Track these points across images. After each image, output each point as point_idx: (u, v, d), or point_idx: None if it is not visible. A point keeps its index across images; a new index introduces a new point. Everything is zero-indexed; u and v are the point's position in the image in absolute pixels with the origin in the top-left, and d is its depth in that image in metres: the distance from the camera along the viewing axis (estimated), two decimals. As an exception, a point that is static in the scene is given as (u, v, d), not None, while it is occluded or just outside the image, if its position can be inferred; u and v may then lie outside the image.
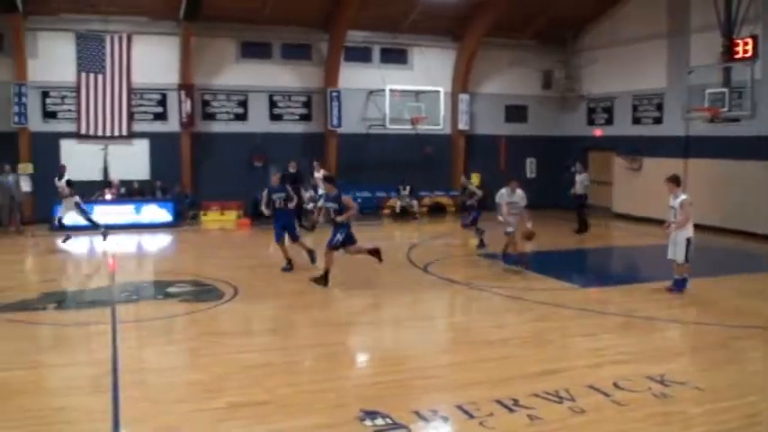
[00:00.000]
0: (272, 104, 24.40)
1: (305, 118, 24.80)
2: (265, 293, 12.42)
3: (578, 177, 20.06)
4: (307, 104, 24.80)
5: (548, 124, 27.61)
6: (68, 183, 18.41)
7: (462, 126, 26.13)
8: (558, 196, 23.74)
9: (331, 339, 9.54)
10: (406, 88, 24.56)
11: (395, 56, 25.76)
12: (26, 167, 21.27)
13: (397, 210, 24.32)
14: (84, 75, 21.87)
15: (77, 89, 21.91)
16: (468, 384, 7.56)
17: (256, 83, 23.88)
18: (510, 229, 14.18)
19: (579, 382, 7.43)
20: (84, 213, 17.76)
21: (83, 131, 22.07)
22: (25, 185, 21.02)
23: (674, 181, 12.15)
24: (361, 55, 25.26)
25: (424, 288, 12.98)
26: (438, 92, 24.65)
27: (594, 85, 26.34)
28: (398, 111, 24.15)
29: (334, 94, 24.26)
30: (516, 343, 9.23)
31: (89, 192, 20.44)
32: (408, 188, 24.56)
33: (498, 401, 6.85)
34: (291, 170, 21.05)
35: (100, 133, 22.16)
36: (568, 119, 27.57)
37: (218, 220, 22.43)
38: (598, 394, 7.12)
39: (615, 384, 7.36)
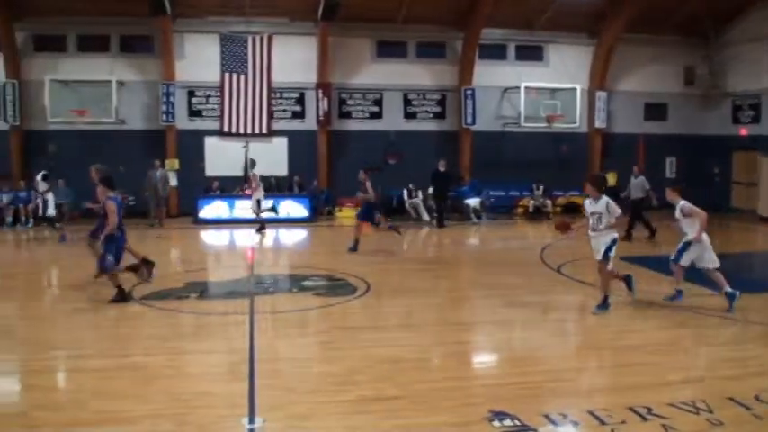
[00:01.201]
0: (407, 103, 24.53)
1: (439, 116, 24.79)
2: (397, 290, 12.44)
3: (634, 181, 18.79)
4: (441, 103, 24.78)
5: (689, 123, 26.33)
6: (44, 177, 19.00)
7: (599, 124, 25.35)
8: (698, 196, 22.53)
9: (461, 337, 9.44)
10: (542, 86, 24.11)
11: (530, 53, 25.32)
12: (173, 163, 22.39)
13: (531, 209, 23.88)
14: (227, 75, 22.75)
15: (221, 89, 22.82)
16: (600, 390, 7.30)
17: (391, 81, 24.09)
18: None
19: (718, 394, 6.97)
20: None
21: (225, 129, 22.98)
22: (171, 180, 22.15)
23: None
24: (495, 52, 24.99)
25: (556, 289, 12.63)
26: (574, 89, 24.09)
27: (740, 81, 24.86)
28: (534, 109, 23.73)
29: (469, 92, 24.10)
30: (650, 349, 8.77)
31: (230, 187, 21.20)
32: (542, 187, 24.07)
33: (631, 409, 6.53)
34: (441, 169, 20.98)
35: (242, 131, 22.99)
36: (711, 117, 26.19)
37: (353, 216, 22.66)
38: (738, 407, 6.65)
39: (757, 397, 6.85)
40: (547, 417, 6.36)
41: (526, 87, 23.54)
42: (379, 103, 24.31)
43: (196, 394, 7.04)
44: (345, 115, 24.01)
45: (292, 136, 23.46)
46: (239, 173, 22.45)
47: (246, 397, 6.86)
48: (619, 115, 25.90)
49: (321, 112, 23.09)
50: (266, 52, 22.84)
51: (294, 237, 20.33)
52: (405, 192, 23.23)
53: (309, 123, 23.44)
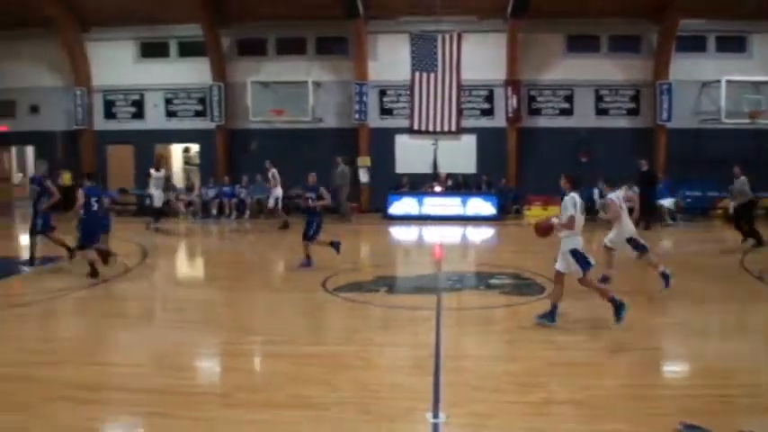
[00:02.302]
0: (599, 99, 23.76)
1: (632, 112, 23.82)
2: (585, 291, 12.05)
3: (737, 183, 16.91)
4: (634, 98, 23.79)
5: None
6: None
7: (810, 120, 23.21)
8: None
9: (649, 343, 8.99)
10: (745, 79, 22.42)
11: (732, 44, 23.61)
12: (364, 161, 23.06)
13: (730, 211, 22.25)
14: (417, 74, 23.10)
15: (411, 87, 23.20)
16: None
17: (582, 77, 23.42)
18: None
19: None
20: None
21: (415, 127, 23.34)
22: (363, 177, 22.84)
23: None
24: (694, 44, 23.57)
25: (756, 298, 11.71)
26: (781, 83, 22.16)
27: None
28: (735, 103, 22.14)
29: (665, 86, 22.95)
30: None
31: (419, 184, 21.53)
32: (744, 188, 22.33)
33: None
34: (644, 168, 20.13)
35: (431, 129, 23.25)
36: None
37: (542, 215, 22.25)
38: None
39: None
40: (743, 434, 5.92)
41: (727, 81, 22.02)
42: (569, 99, 23.73)
43: (383, 385, 7.21)
44: (535, 112, 23.64)
45: (481, 133, 23.43)
46: (428, 170, 22.73)
47: (431, 392, 6.93)
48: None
49: (510, 110, 22.89)
50: (456, 50, 22.96)
51: (481, 234, 20.28)
52: (595, 191, 22.47)
53: (498, 121, 23.30)
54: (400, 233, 18.98)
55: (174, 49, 24.61)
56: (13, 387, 7.35)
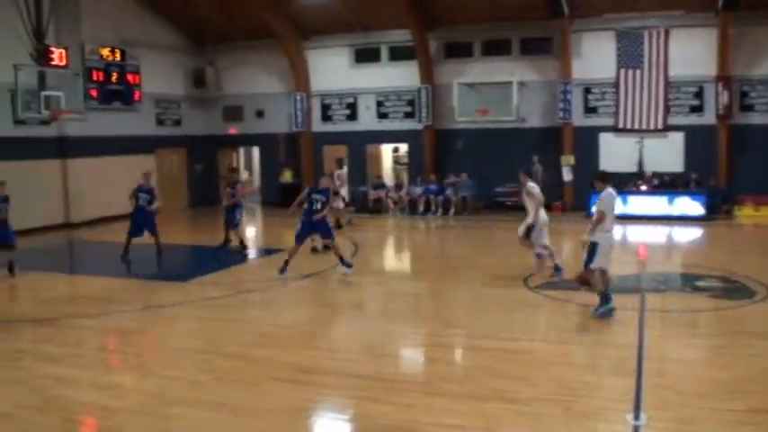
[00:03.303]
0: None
1: None
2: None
3: None
4: None
5: None
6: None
7: None
8: None
9: None
10: None
11: None
12: (568, 159, 22.95)
13: None
14: (623, 71, 22.59)
15: (616, 85, 22.73)
16: None
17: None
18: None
19: None
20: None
21: (620, 125, 22.85)
22: (567, 176, 22.78)
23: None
24: None
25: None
26: None
27: None
28: None
29: None
30: None
31: (624, 183, 21.12)
32: None
33: None
34: None
35: (636, 127, 22.67)
36: None
37: (753, 216, 21.08)
38: None
39: None
40: None
41: None
42: (785, 93, 22.11)
43: (582, 384, 7.34)
44: (747, 108, 22.24)
45: (689, 131, 22.43)
46: (633, 168, 22.21)
47: (632, 393, 6.95)
48: None
49: (721, 106, 21.76)
50: (663, 46, 22.17)
51: (688, 235, 19.56)
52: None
53: (708, 118, 22.19)
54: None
55: (384, 54, 25.67)
56: (240, 365, 8.26)
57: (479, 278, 13.03)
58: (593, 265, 9.83)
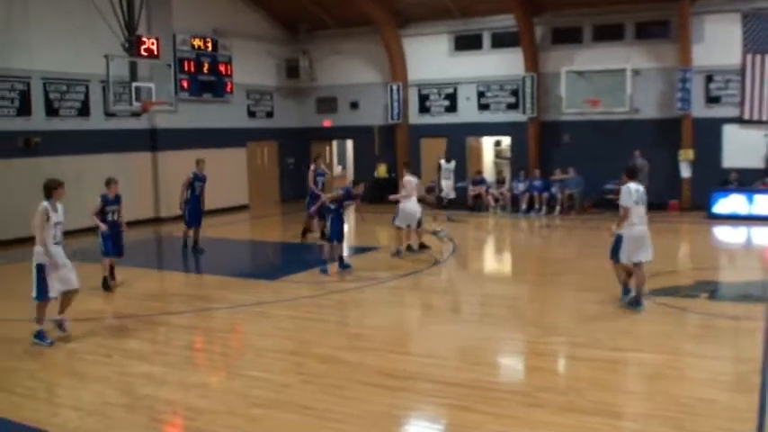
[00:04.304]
0: None
1: None
2: None
3: None
4: None
5: None
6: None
7: None
8: None
9: None
10: None
11: None
12: (687, 154, 21.50)
13: None
14: (749, 56, 20.92)
15: (742, 72, 21.10)
16: None
17: None
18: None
19: None
20: None
21: (746, 117, 21.22)
22: (685, 172, 21.38)
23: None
24: None
25: None
26: None
27: None
28: None
29: None
30: None
31: (748, 180, 19.70)
32: None
33: None
34: None
35: (764, 118, 20.99)
36: None
37: None
38: None
39: None
40: None
41: None
42: None
43: (697, 400, 6.80)
44: None
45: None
46: (760, 164, 20.57)
47: (755, 412, 6.40)
48: None
49: None
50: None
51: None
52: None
53: None
54: (726, 234, 17.50)
55: (486, 40, 24.75)
56: (329, 368, 8.03)
57: (584, 282, 12.28)
58: (621, 259, 10.03)
